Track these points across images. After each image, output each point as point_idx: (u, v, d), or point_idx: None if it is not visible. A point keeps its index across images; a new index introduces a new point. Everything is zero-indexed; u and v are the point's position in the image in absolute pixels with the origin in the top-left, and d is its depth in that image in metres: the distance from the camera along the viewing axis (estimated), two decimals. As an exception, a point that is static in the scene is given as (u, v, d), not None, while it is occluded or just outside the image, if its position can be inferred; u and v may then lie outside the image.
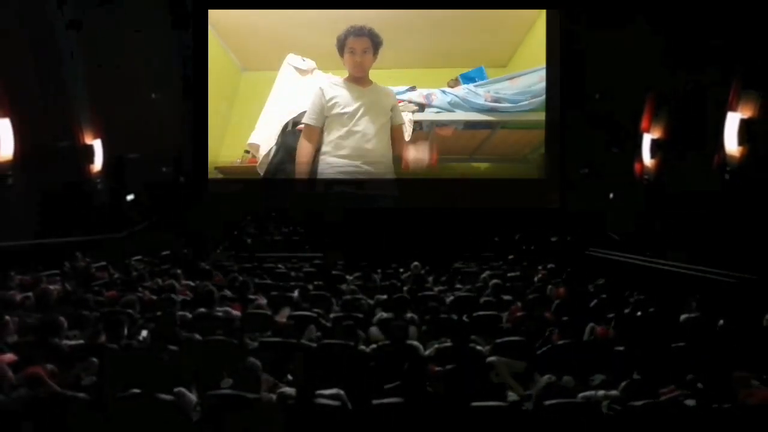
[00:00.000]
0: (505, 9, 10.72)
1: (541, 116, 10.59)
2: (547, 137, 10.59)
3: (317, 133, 10.10)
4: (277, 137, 10.51)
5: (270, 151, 10.49)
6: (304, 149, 10.11)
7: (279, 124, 10.52)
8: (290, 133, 10.58)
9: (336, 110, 9.99)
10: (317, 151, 10.10)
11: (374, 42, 9.97)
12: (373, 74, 10.43)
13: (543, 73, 10.53)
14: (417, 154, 10.45)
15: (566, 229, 9.72)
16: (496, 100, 10.52)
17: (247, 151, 10.61)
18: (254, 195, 10.68)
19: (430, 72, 10.69)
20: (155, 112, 9.82)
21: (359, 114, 9.99)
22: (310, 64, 10.65)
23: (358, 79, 10.09)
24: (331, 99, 10.00)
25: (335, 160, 10.16)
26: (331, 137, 10.09)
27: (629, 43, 8.26)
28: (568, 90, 10.21)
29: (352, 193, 10.34)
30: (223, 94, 10.81)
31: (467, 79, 10.64)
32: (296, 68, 10.67)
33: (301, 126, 10.44)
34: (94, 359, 3.37)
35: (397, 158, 10.29)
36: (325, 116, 10.03)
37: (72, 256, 6.53)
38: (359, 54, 9.90)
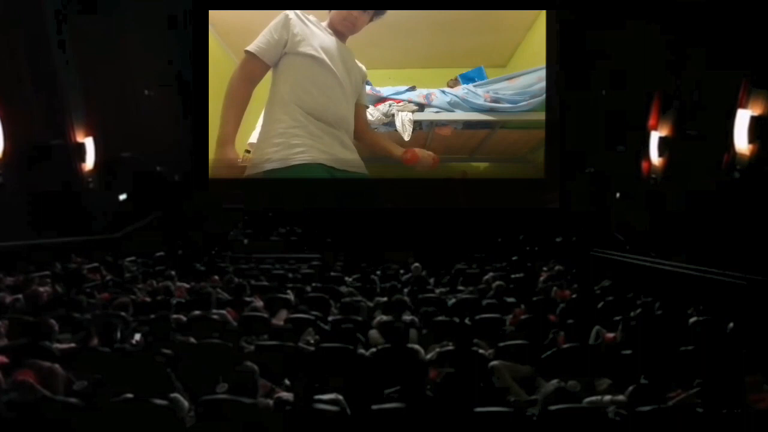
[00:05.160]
0: (505, 9, 10.68)
1: (541, 116, 10.57)
2: (546, 137, 10.56)
3: (259, 71, 7.81)
4: (277, 137, 10.44)
5: (270, 150, 10.42)
6: (235, 91, 7.46)
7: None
8: (290, 132, 10.49)
9: (304, 49, 7.93)
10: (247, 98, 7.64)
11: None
12: (373, 74, 10.38)
13: (542, 73, 10.51)
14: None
15: (567, 230, 9.65)
16: (496, 100, 10.48)
17: (248, 151, 10.56)
18: (254, 195, 10.63)
19: (430, 72, 10.63)
20: (149, 110, 9.71)
21: (339, 69, 8.12)
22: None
23: (340, 35, 8.70)
24: (299, 33, 7.94)
25: (299, 124, 7.92)
26: (287, 86, 7.67)
27: (630, 42, 8.22)
28: (568, 90, 10.16)
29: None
30: (223, 94, 10.76)
31: (467, 79, 10.60)
32: (296, 68, 10.56)
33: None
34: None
35: (362, 143, 8.91)
36: (283, 52, 7.89)
37: (64, 257, 6.43)
38: None
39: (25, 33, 7.22)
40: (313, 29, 8.59)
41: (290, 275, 7.13)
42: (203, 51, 10.57)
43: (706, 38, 6.32)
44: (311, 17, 9.11)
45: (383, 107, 10.25)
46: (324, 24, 9.21)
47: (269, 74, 10.24)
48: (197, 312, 4.52)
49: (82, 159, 8.31)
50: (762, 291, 4.57)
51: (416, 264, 6.95)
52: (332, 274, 7.13)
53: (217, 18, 10.69)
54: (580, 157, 10.02)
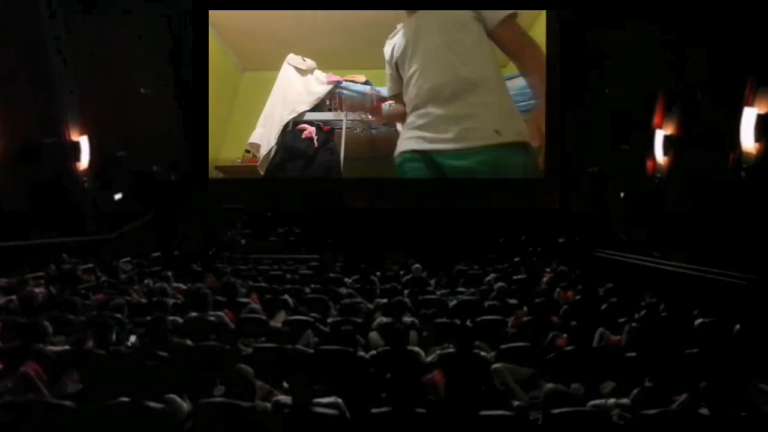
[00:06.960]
0: (505, 9, 10.64)
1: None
2: (546, 137, 10.51)
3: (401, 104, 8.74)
4: (277, 137, 10.55)
5: (270, 150, 10.54)
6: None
7: (279, 124, 10.56)
8: (290, 132, 10.61)
9: (400, 63, 8.55)
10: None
11: None
12: (372, 74, 10.34)
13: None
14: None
15: (568, 230, 9.60)
16: (496, 101, 10.41)
17: (248, 151, 10.60)
18: (254, 195, 10.57)
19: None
20: (147, 110, 9.65)
21: (411, 50, 8.57)
22: (310, 64, 10.64)
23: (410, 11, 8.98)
24: (391, 54, 8.64)
25: (408, 131, 8.68)
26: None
27: (630, 42, 8.18)
28: (568, 90, 10.13)
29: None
30: (223, 94, 10.79)
31: (467, 79, 10.55)
32: (296, 68, 10.67)
33: (303, 127, 10.32)
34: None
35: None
36: (400, 77, 8.71)
37: (58, 258, 6.35)
38: None
39: (21, 32, 7.16)
40: (395, 39, 9.00)
41: (288, 276, 7.06)
42: (203, 51, 10.57)
43: (706, 38, 6.28)
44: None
45: (385, 107, 10.25)
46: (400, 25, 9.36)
47: (273, 82, 10.43)
48: (194, 314, 4.46)
49: (77, 158, 8.19)
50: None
51: (416, 265, 6.89)
52: (331, 275, 7.07)
53: (217, 18, 10.70)
54: (580, 157, 9.99)
